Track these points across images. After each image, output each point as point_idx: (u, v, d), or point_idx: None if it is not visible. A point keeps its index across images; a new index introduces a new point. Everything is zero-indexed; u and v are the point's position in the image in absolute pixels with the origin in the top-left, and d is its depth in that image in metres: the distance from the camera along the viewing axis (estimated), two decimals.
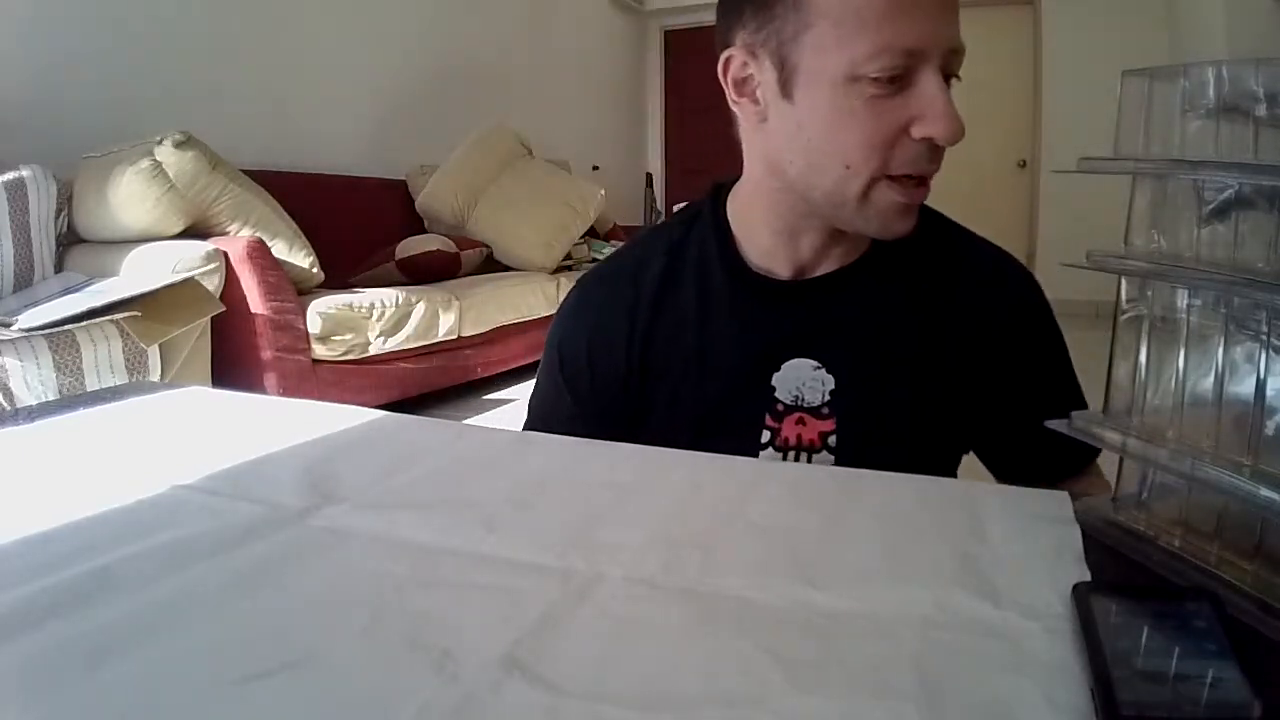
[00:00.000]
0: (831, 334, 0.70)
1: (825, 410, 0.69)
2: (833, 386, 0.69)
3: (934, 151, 0.61)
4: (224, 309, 2.29)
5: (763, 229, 0.71)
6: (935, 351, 0.70)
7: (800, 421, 0.69)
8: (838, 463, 0.69)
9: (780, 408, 0.70)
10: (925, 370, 0.69)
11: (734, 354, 0.71)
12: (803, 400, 0.69)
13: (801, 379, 0.69)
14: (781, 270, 0.71)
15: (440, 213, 3.83)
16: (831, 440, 0.69)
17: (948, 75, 0.60)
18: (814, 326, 0.70)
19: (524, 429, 0.78)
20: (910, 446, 0.69)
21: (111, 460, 0.56)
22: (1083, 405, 0.64)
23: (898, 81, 0.58)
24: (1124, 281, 0.45)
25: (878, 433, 0.69)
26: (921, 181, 0.62)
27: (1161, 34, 4.88)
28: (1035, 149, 5.54)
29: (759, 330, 0.71)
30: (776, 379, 0.70)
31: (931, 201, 0.70)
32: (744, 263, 0.72)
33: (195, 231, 2.50)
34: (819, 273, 0.72)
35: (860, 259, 0.72)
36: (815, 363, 0.69)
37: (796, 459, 0.69)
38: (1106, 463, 0.45)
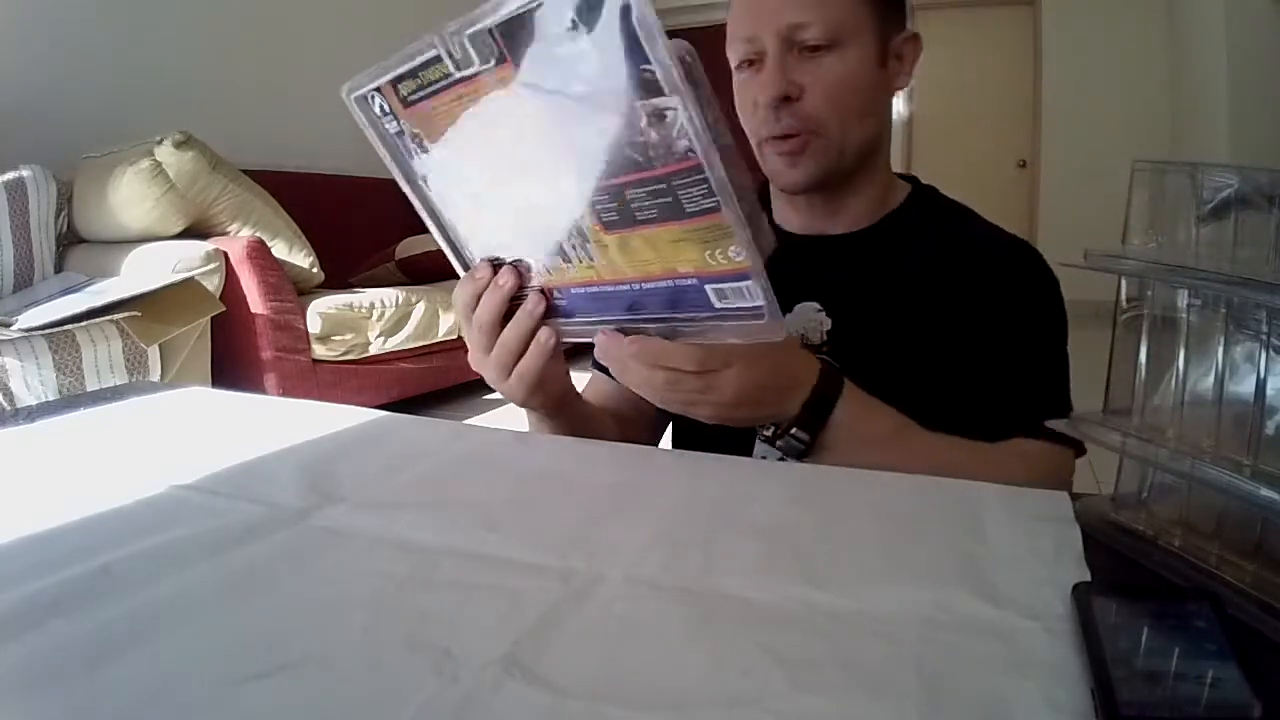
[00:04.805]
0: (834, 281, 0.77)
1: (825, 349, 0.76)
2: (829, 327, 0.77)
3: (770, 113, 0.71)
4: (224, 309, 2.29)
5: (775, 195, 0.83)
6: (933, 310, 0.75)
7: None
8: None
9: None
10: (919, 322, 0.75)
11: None
12: (806, 339, 0.77)
13: (806, 321, 0.77)
14: (795, 231, 0.81)
15: None
16: None
17: (806, 46, 0.70)
18: (819, 273, 0.77)
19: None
20: (903, 388, 0.72)
21: (111, 460, 0.56)
22: (1059, 392, 0.72)
23: (756, 64, 0.72)
24: (1124, 281, 0.45)
25: (871, 369, 0.72)
26: (789, 138, 0.72)
27: (1162, 34, 4.88)
28: (1035, 149, 5.54)
29: (774, 275, 0.76)
30: (787, 318, 0.75)
31: None
32: (772, 219, 0.82)
33: (195, 231, 2.50)
34: (829, 234, 0.80)
35: (872, 226, 0.80)
36: (818, 305, 0.77)
37: None
38: (1108, 462, 0.45)
